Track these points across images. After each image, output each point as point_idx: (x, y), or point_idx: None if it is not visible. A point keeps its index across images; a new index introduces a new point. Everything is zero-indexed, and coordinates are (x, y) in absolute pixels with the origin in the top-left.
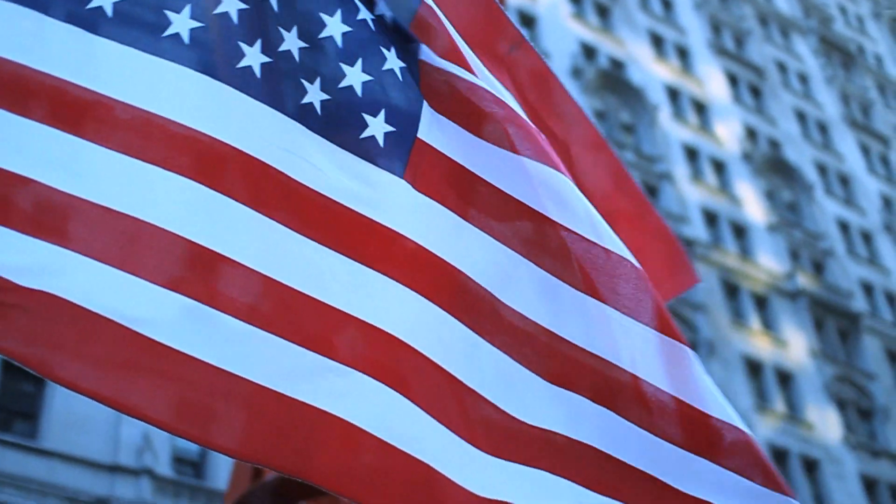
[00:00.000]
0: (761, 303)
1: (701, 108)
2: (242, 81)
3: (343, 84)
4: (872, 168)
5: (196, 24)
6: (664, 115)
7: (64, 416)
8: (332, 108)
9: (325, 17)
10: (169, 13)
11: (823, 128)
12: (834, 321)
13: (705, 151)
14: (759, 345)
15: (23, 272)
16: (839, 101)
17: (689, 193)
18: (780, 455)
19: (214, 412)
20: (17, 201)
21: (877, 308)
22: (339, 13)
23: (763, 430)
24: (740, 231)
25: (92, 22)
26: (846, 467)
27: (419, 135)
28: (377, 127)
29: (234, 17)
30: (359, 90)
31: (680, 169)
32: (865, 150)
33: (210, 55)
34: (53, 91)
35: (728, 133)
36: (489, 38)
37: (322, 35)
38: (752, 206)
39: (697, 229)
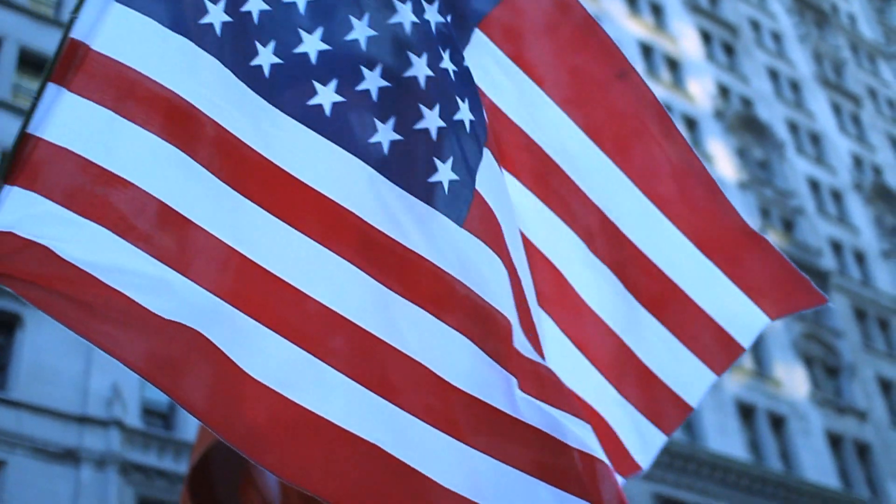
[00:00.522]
0: None
1: (674, 65)
2: (317, 122)
3: (419, 126)
4: (844, 127)
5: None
6: (637, 69)
7: (33, 368)
8: (402, 150)
9: (412, 56)
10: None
11: (796, 86)
12: None
13: (677, 108)
14: None
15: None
16: (812, 60)
17: None
18: (748, 411)
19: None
20: (188, 248)
21: (845, 266)
22: (425, 56)
23: (731, 387)
24: None
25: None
26: (812, 424)
27: (477, 186)
28: (445, 174)
29: (314, 59)
30: (434, 134)
31: None
32: (837, 110)
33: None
34: (220, 141)
35: (700, 90)
36: (594, 64)
37: (407, 74)
38: (724, 163)
39: None
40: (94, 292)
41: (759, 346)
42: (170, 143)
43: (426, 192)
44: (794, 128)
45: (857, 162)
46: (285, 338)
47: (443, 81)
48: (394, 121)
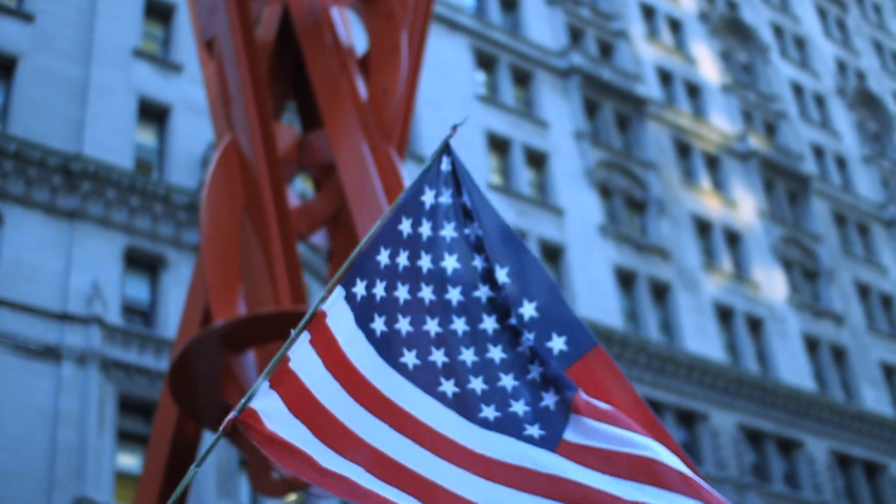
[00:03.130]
0: (712, 163)
1: None
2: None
3: (511, 409)
4: (829, 32)
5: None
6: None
7: (12, 265)
8: (503, 421)
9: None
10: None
11: None
12: (783, 183)
13: (662, 10)
14: (709, 204)
15: None
16: None
17: (645, 52)
18: (726, 313)
19: None
20: None
21: (826, 171)
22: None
23: (710, 289)
24: (694, 91)
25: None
26: (789, 326)
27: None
28: (534, 431)
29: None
30: (521, 412)
31: (636, 27)
32: (822, 14)
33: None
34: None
35: None
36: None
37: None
38: (707, 66)
39: (651, 88)
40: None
41: (738, 249)
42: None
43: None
44: (778, 31)
45: (842, 67)
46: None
47: (527, 389)
48: (494, 404)
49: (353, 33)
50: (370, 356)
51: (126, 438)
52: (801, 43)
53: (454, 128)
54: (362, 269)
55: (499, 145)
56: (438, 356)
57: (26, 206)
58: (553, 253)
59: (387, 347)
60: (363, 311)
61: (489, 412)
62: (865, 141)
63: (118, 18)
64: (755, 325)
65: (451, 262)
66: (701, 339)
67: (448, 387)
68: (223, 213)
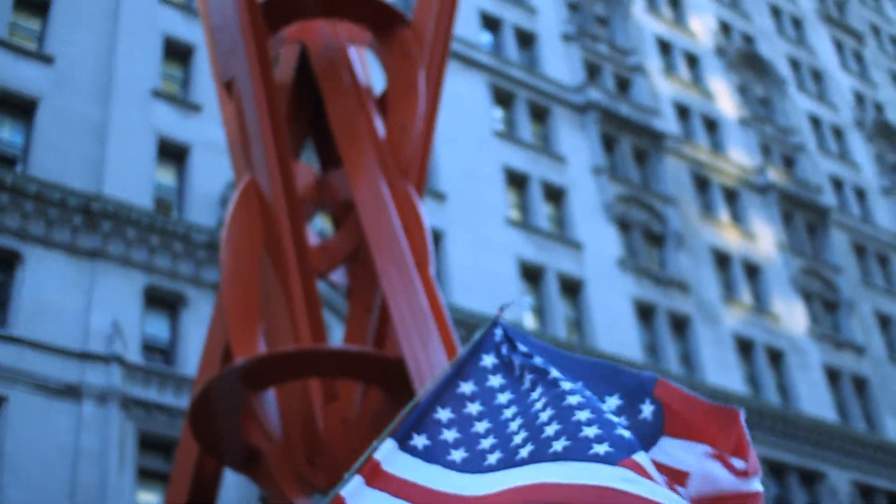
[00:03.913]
0: (731, 196)
1: (675, 1)
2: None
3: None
4: (845, 64)
5: None
6: (638, 7)
7: (33, 305)
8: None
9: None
10: None
11: (798, 23)
12: (802, 215)
13: (679, 45)
14: (728, 237)
15: None
16: None
17: (662, 87)
18: (746, 345)
19: None
20: None
21: (845, 203)
22: None
23: (730, 321)
24: (712, 125)
25: None
26: (810, 358)
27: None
28: (600, 449)
29: None
30: (591, 435)
31: (653, 62)
32: (839, 46)
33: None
34: None
35: (702, 27)
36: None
37: None
38: (725, 100)
39: (669, 123)
40: None
41: (757, 282)
42: None
43: None
44: (795, 65)
45: (859, 99)
46: None
47: None
48: None
49: (371, 72)
50: (452, 477)
51: (146, 476)
52: (818, 76)
53: (501, 309)
54: (418, 424)
55: (517, 181)
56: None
57: (47, 246)
58: (572, 287)
59: (471, 464)
60: (432, 453)
61: (558, 445)
62: (884, 172)
63: (138, 59)
64: (776, 358)
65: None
66: (721, 371)
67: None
68: (242, 252)
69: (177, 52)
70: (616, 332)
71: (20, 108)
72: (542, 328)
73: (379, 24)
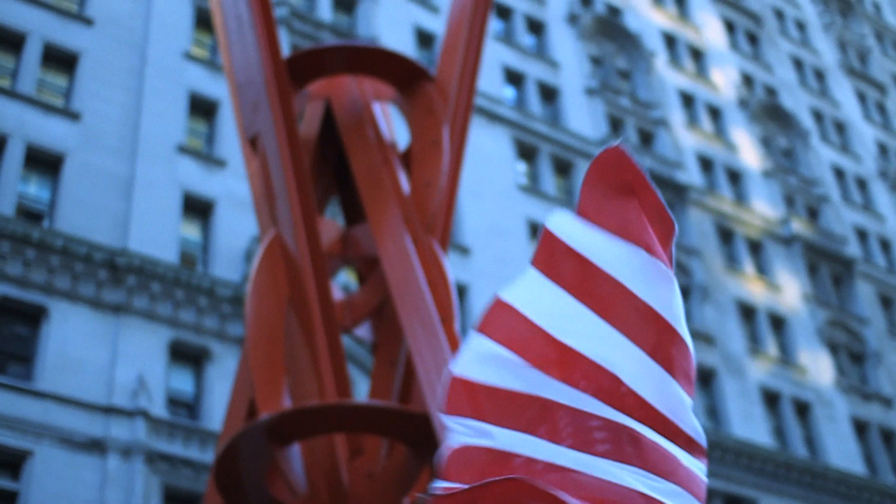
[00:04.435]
0: (755, 248)
1: (697, 54)
2: None
3: None
4: (868, 115)
5: None
6: (660, 61)
7: (58, 359)
8: None
9: None
10: None
11: (820, 75)
12: (828, 266)
13: (701, 98)
14: (753, 289)
15: None
16: (836, 49)
17: (685, 139)
18: (772, 398)
19: None
20: None
21: (870, 254)
22: None
23: (756, 374)
24: (735, 177)
25: None
26: (837, 410)
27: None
28: None
29: None
30: None
31: (676, 115)
32: (862, 98)
33: None
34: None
35: (724, 80)
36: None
37: None
38: (748, 152)
39: (693, 175)
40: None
41: (783, 334)
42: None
43: None
44: (818, 116)
45: (883, 150)
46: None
47: None
48: None
49: (395, 127)
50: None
51: None
52: (841, 127)
53: None
54: None
55: None
56: None
57: (73, 300)
58: None
59: None
60: None
61: None
62: None
63: (163, 115)
64: (802, 410)
65: None
66: (748, 424)
67: None
68: (267, 307)
69: (202, 108)
70: None
71: (47, 163)
72: None
73: (403, 79)
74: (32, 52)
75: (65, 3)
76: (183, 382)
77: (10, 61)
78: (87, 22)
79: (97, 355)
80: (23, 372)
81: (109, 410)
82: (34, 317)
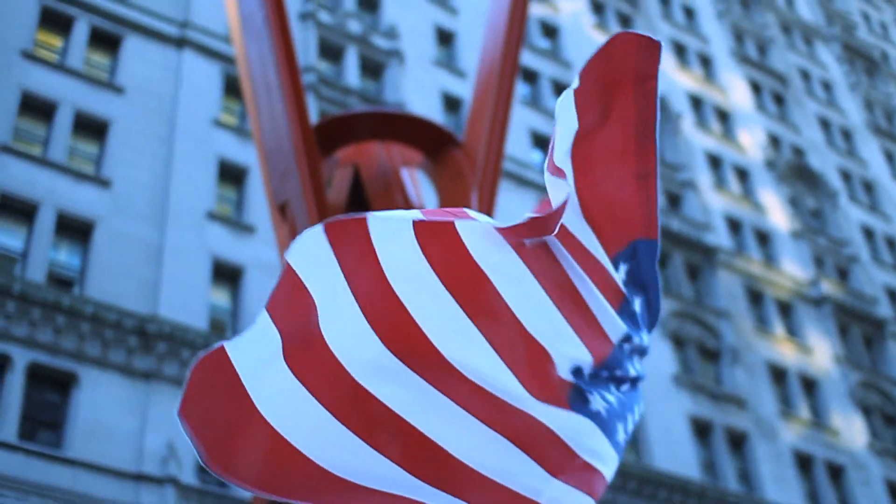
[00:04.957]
0: (785, 309)
1: (724, 116)
2: None
3: None
4: None
5: None
6: (687, 123)
7: (88, 426)
8: None
9: None
10: None
11: (847, 134)
12: (859, 327)
13: (728, 159)
14: (784, 351)
15: None
16: (863, 108)
17: (713, 201)
18: (805, 461)
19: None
20: None
21: None
22: None
23: (788, 437)
24: (764, 238)
25: None
26: (872, 473)
27: None
28: None
29: None
30: None
31: (703, 177)
32: (889, 157)
33: None
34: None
35: (751, 141)
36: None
37: None
38: (776, 213)
39: (721, 237)
40: None
41: (815, 396)
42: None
43: None
44: (846, 176)
45: None
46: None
47: None
48: None
49: (423, 193)
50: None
51: None
52: (869, 186)
53: None
54: None
55: None
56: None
57: (103, 367)
58: None
59: None
60: None
61: None
62: None
63: (192, 182)
64: (836, 473)
65: None
66: (780, 488)
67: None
68: None
69: (231, 175)
70: (672, 449)
71: (78, 230)
72: None
73: (431, 145)
74: (63, 121)
75: (95, 71)
76: None
77: (41, 129)
78: (118, 90)
79: (127, 422)
80: (53, 439)
81: (139, 478)
82: (65, 384)
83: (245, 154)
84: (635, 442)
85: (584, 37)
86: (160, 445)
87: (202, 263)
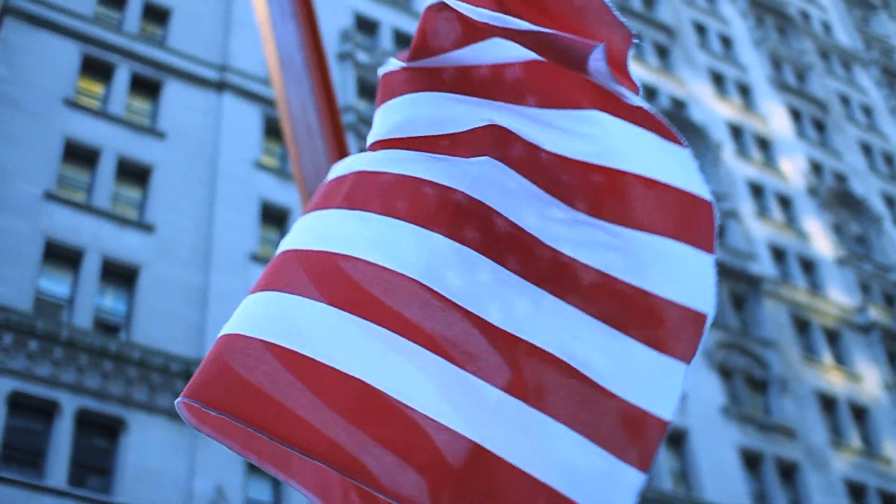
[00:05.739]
0: (833, 337)
1: (764, 144)
2: None
3: None
4: None
5: None
6: (727, 152)
7: (137, 471)
8: None
9: None
10: None
11: (889, 159)
12: None
13: (770, 187)
14: (833, 380)
15: None
16: None
17: (756, 230)
18: (858, 491)
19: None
20: None
21: None
22: None
23: (839, 466)
24: (809, 266)
25: None
26: None
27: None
28: None
29: None
30: None
31: (745, 206)
32: None
33: None
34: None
35: (793, 168)
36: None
37: None
38: (820, 240)
39: (765, 266)
40: None
41: (865, 424)
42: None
43: None
44: (890, 201)
45: None
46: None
47: None
48: None
49: None
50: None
51: None
52: None
53: None
54: None
55: None
56: None
57: (150, 412)
58: (677, 438)
59: None
60: None
61: None
62: None
63: (235, 225)
64: (889, 501)
65: None
66: None
67: None
68: None
69: (273, 216)
70: (722, 482)
71: (123, 276)
72: (646, 481)
73: None
74: (106, 167)
75: (136, 117)
76: (261, 493)
77: (85, 176)
78: (160, 136)
79: (175, 466)
80: (102, 484)
81: None
82: (113, 429)
83: (287, 195)
84: (685, 475)
85: None
86: (209, 488)
87: None
